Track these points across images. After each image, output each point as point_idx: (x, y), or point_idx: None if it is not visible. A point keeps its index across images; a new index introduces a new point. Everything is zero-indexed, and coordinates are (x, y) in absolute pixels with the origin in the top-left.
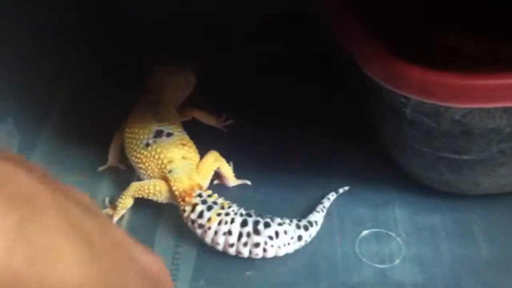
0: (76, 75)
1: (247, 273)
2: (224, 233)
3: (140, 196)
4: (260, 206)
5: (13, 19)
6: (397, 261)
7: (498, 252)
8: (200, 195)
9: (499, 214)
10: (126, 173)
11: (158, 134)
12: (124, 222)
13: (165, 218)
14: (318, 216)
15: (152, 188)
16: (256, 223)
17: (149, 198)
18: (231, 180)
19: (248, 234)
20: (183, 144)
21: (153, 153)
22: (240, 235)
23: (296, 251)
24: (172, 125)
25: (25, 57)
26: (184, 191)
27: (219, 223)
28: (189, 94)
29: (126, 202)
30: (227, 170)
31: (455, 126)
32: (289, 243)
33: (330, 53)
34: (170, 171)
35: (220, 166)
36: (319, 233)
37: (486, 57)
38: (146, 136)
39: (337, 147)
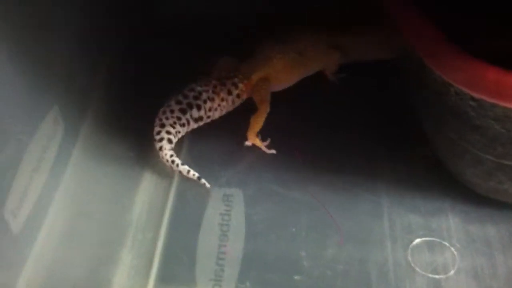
0: (117, 66)
1: (295, 277)
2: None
3: None
4: (309, 212)
5: (60, 12)
6: (452, 272)
7: None
8: (234, 84)
9: None
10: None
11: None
12: (165, 223)
13: (208, 218)
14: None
15: None
16: (181, 110)
17: None
18: (250, 134)
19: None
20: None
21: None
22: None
23: (346, 258)
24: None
25: (70, 48)
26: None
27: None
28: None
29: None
30: (255, 122)
31: None
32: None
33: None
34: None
35: (256, 114)
36: (369, 239)
37: None
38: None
39: (387, 153)
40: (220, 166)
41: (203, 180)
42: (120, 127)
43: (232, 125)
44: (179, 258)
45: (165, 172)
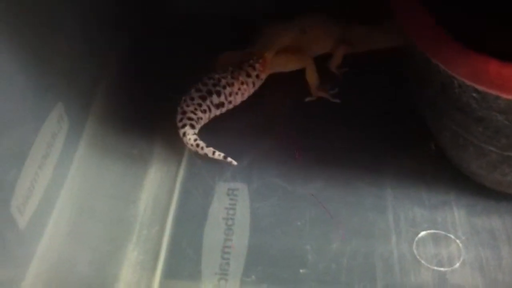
0: (121, 64)
1: (301, 270)
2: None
3: None
4: (313, 206)
5: (64, 11)
6: (457, 265)
7: None
8: (251, 65)
9: None
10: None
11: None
12: (170, 218)
13: (214, 213)
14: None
15: None
16: (202, 97)
17: None
18: (311, 91)
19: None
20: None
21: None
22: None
23: (351, 251)
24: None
25: (74, 46)
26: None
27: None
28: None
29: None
30: (310, 77)
31: None
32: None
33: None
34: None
35: (306, 69)
36: (374, 233)
37: None
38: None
39: (391, 147)
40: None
41: (229, 159)
42: (124, 124)
43: (236, 121)
44: (184, 253)
45: (170, 167)
